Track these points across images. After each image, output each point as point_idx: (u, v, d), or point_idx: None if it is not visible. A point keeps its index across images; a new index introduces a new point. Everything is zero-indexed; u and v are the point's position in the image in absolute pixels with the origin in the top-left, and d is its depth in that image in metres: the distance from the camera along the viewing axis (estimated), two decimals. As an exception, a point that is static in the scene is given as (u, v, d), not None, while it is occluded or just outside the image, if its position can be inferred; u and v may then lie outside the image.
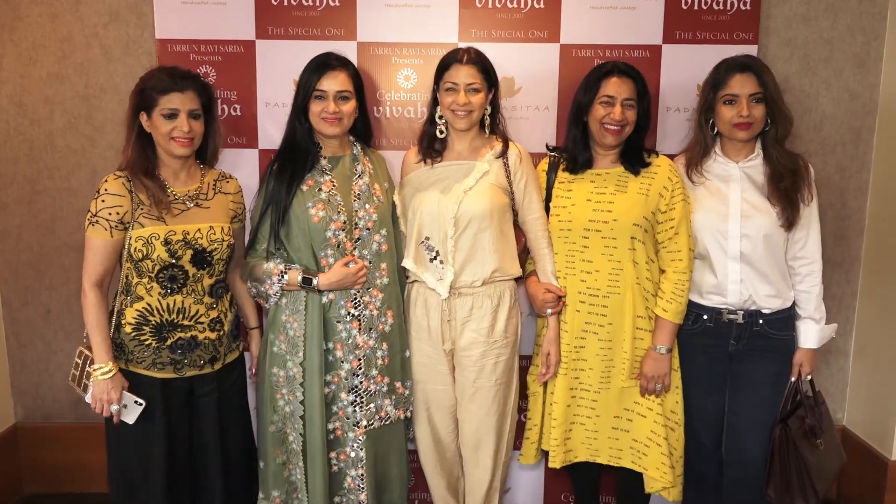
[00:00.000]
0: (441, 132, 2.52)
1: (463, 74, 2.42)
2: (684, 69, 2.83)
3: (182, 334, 2.28)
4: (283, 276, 2.40)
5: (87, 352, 2.28)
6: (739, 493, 2.52)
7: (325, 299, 2.43)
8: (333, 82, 2.40)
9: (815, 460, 2.44)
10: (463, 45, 2.75)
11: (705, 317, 2.48)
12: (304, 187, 2.43)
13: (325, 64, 2.42)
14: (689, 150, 2.55)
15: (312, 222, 2.40)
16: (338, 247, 2.42)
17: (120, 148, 2.91)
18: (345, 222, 2.42)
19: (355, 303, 2.45)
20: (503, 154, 2.51)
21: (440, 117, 2.51)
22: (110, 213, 2.19)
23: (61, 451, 3.22)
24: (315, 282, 2.38)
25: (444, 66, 2.46)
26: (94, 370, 2.21)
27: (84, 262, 2.24)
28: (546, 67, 2.85)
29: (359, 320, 2.45)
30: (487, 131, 2.54)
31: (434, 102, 2.54)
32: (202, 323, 2.31)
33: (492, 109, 2.51)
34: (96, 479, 3.14)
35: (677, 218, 2.42)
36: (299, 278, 2.39)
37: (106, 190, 2.21)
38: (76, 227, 3.05)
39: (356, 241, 2.45)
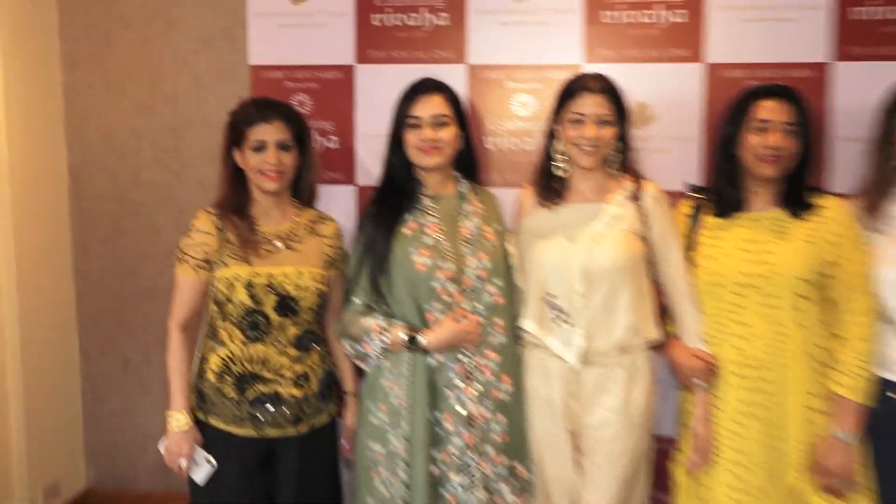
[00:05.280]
0: (562, 170, 2.18)
1: (591, 104, 2.09)
2: (859, 90, 2.42)
3: (264, 388, 2.09)
4: (384, 333, 2.09)
5: None
6: None
7: (432, 361, 2.10)
8: (427, 106, 2.14)
9: None
10: (588, 67, 2.46)
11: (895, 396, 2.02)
12: (407, 231, 2.14)
13: (417, 88, 2.18)
14: (866, 190, 2.13)
15: (417, 271, 2.09)
16: (446, 299, 2.10)
17: (208, 184, 2.78)
18: (453, 271, 2.10)
19: (467, 366, 2.11)
20: (636, 194, 2.15)
21: (561, 153, 2.18)
22: (196, 251, 2.13)
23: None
24: (422, 340, 2.07)
25: (567, 94, 2.14)
26: (169, 417, 2.11)
27: (171, 301, 2.15)
28: (687, 91, 2.54)
29: (471, 387, 2.11)
30: (616, 168, 2.19)
31: (551, 135, 2.20)
32: (285, 377, 2.11)
33: (622, 143, 2.17)
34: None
35: (854, 272, 2.01)
36: (404, 336, 2.08)
37: (195, 226, 2.16)
38: (159, 270, 2.88)
39: (467, 293, 2.11)
